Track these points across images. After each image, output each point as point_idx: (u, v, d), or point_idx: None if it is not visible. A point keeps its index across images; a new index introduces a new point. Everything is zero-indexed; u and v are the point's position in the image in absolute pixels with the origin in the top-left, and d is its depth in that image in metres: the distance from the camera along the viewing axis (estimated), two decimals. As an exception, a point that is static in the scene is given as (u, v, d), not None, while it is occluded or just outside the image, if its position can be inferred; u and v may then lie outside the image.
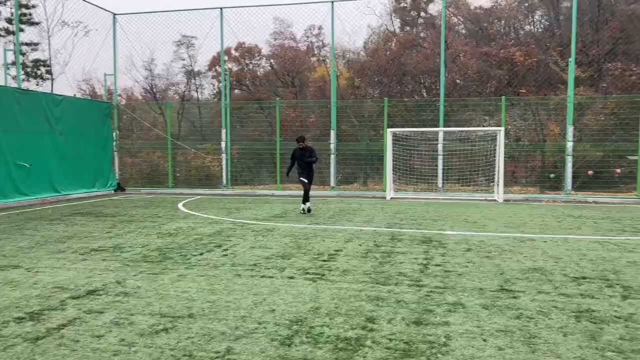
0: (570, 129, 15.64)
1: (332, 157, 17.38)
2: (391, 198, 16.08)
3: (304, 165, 11.97)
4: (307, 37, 44.13)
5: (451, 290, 5.43)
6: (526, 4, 43.48)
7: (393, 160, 16.91)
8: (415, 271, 6.29)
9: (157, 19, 20.00)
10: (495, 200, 15.57)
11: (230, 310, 4.79)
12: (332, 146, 17.31)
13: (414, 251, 7.54)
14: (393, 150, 16.86)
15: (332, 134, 17.34)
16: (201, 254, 7.38)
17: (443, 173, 17.07)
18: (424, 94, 35.55)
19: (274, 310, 4.78)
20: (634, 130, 16.60)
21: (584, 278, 5.92)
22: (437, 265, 6.63)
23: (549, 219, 11.13)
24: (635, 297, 5.17)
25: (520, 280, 5.83)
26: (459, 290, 5.45)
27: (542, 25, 44.22)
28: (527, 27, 44.06)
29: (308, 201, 12.11)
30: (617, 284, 5.65)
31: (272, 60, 41.34)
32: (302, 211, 12.10)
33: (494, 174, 16.21)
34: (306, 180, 11.99)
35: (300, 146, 12.01)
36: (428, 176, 17.77)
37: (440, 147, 16.87)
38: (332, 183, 17.53)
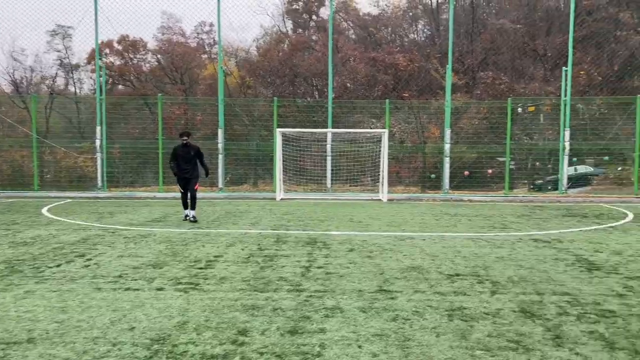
0: (447, 132, 16.57)
1: (220, 157, 16.75)
2: (281, 199, 15.86)
3: (185, 164, 10.68)
4: (198, 33, 42.46)
5: (331, 294, 5.26)
6: (410, 14, 45.97)
7: (283, 161, 16.72)
8: (297, 275, 6.06)
9: (21, 3, 17.85)
10: (380, 199, 16.02)
11: (82, 330, 4.16)
12: (220, 145, 16.68)
13: (297, 254, 7.32)
14: (283, 150, 16.67)
15: (220, 132, 16.72)
16: (58, 266, 6.50)
17: (332, 173, 17.23)
18: (317, 95, 35.99)
19: (133, 328, 4.23)
20: (503, 133, 18.06)
21: (457, 275, 6.09)
22: (319, 267, 6.46)
23: (428, 218, 11.60)
24: (502, 291, 5.38)
25: (399, 280, 5.83)
26: (339, 293, 5.30)
27: (424, 35, 46.98)
28: (412, 36, 46.53)
29: (193, 209, 10.77)
30: (487, 280, 5.87)
31: (159, 56, 39.25)
32: (188, 218, 10.81)
33: (379, 175, 16.68)
34: (189, 180, 10.74)
35: (184, 142, 10.66)
36: (318, 177, 17.85)
37: (328, 147, 17.00)
38: (220, 184, 16.89)
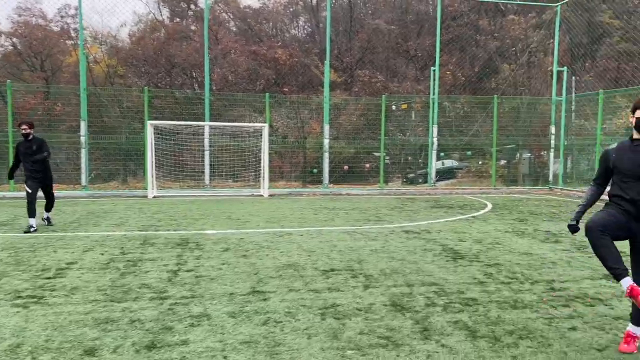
0: (326, 128, 16.78)
1: (84, 151, 15.24)
2: (154, 197, 14.85)
3: (32, 163, 8.80)
4: (62, 16, 38.51)
5: (199, 300, 4.85)
6: (291, 9, 46.15)
7: (157, 156, 15.69)
8: (162, 280, 5.54)
9: None
10: (261, 195, 15.74)
11: None
12: (83, 139, 15.16)
13: (165, 256, 6.75)
14: (158, 145, 15.65)
15: (83, 125, 15.18)
16: None
17: (210, 169, 16.56)
18: (196, 88, 34.59)
19: (-54, 359, 3.47)
20: (378, 130, 18.77)
21: (332, 270, 6.02)
22: (188, 270, 5.99)
23: (308, 212, 11.57)
24: (375, 285, 5.39)
25: (273, 279, 5.60)
26: (208, 298, 4.91)
27: (305, 31, 47.54)
28: (293, 31, 46.80)
29: (48, 210, 9.40)
30: (361, 274, 5.87)
31: (14, 39, 34.95)
32: (42, 221, 9.37)
33: (261, 170, 16.38)
34: (36, 186, 8.90)
35: (24, 131, 8.72)
36: (195, 173, 17.06)
37: (206, 142, 16.30)
38: (84, 182, 15.37)
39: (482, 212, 11.97)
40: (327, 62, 17.14)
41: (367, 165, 22.20)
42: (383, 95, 17.78)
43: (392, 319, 4.34)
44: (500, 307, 4.66)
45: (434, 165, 17.75)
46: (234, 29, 44.48)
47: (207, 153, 16.31)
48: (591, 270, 6.18)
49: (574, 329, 4.12)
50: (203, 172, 16.57)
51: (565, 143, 18.40)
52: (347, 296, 4.99)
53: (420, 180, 22.07)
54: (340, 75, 38.13)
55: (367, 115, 21.93)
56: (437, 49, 17.75)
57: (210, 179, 16.61)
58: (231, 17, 45.54)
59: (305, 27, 47.16)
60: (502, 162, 21.10)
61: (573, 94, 18.51)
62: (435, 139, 17.44)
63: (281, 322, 4.25)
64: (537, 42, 34.55)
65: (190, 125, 16.18)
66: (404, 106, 22.47)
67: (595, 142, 18.33)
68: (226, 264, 6.31)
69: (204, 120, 16.37)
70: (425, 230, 9.05)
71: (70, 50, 35.88)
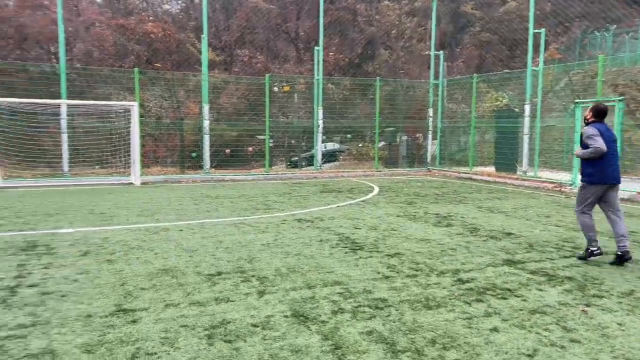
0: (206, 108, 15.48)
1: None
2: (-2, 188, 12.48)
3: None
4: None
5: (42, 329, 3.67)
6: (163, -19, 42.83)
7: (2, 139, 13.21)
8: (-8, 303, 4.21)
9: None
10: (132, 183, 14.05)
11: None
12: None
13: (2, 267, 5.30)
14: (2, 126, 13.17)
15: None
16: None
17: (70, 154, 14.39)
18: (55, 63, 30.64)
19: None
20: (261, 112, 17.87)
21: (219, 274, 5.11)
22: (32, 285, 4.68)
23: (187, 202, 10.39)
24: (271, 290, 4.61)
25: (146, 291, 4.55)
26: (55, 325, 3.75)
27: (179, 6, 44.60)
28: (165, 6, 43.61)
29: None
30: (253, 276, 5.04)
31: None
32: None
33: (131, 154, 14.62)
34: None
35: None
36: (52, 158, 14.74)
37: (63, 123, 14.09)
38: None
39: (370, 195, 11.76)
40: (204, 36, 15.76)
41: (250, 148, 21.29)
42: (267, 75, 16.87)
43: (296, 335, 3.60)
44: (413, 309, 4.15)
45: (320, 148, 17.35)
46: (99, 1, 40.29)
47: (64, 136, 14.10)
48: (490, 255, 6.02)
49: (495, 330, 3.73)
50: (61, 158, 14.34)
51: (441, 125, 19.13)
52: (239, 308, 4.14)
53: (304, 164, 21.71)
54: (218, 54, 36.34)
55: (248, 96, 20.90)
56: (321, 29, 17.25)
57: (70, 166, 14.45)
58: (94, -15, 41.14)
59: (179, 2, 44.29)
60: (381, 144, 21.47)
61: (444, 79, 19.25)
62: (320, 122, 17.02)
63: (155, 354, 3.28)
64: (410, 28, 35.85)
65: (43, 104, 13.84)
66: (287, 88, 21.81)
67: (469, 124, 19.34)
68: (84, 274, 5.08)
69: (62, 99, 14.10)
70: (318, 218, 8.47)
71: None
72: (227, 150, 19.20)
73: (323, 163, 21.28)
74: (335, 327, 3.74)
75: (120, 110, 15.02)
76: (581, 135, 5.83)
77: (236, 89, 22.96)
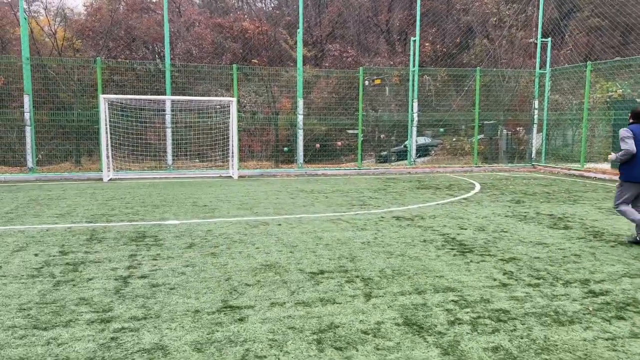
0: (300, 103, 15.52)
1: (28, 129, 13.55)
2: (110, 180, 13.38)
3: None
4: (12, -11, 35.70)
5: (153, 322, 3.69)
6: (258, -20, 44.06)
7: (114, 134, 14.16)
8: (108, 292, 4.33)
9: None
10: (230, 177, 14.46)
11: None
12: (27, 115, 13.45)
13: (115, 257, 5.52)
14: (115, 122, 14.12)
15: (27, 100, 13.45)
16: None
17: (173, 148, 15.11)
18: (159, 62, 32.64)
19: None
20: (351, 106, 17.68)
21: (322, 273, 4.93)
22: (142, 277, 4.79)
23: (284, 196, 10.41)
24: (378, 293, 4.33)
25: (250, 288, 4.47)
26: (165, 319, 3.75)
27: (272, 4, 45.71)
28: (259, 4, 44.85)
29: None
30: (357, 277, 4.80)
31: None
32: None
33: (229, 149, 15.07)
34: None
35: None
36: (157, 152, 15.59)
37: (168, 118, 14.81)
38: (30, 163, 13.73)
39: (472, 193, 11.07)
40: (300, 31, 15.79)
41: (339, 143, 21.19)
42: (360, 68, 16.57)
43: (412, 346, 3.29)
44: (542, 323, 3.68)
45: (414, 142, 16.76)
46: (198, 2, 42.36)
47: (169, 131, 14.83)
48: (623, 264, 5.29)
49: (651, 356, 3.16)
50: (165, 152, 15.11)
51: (547, 118, 17.70)
52: (347, 311, 3.91)
53: (394, 158, 21.18)
54: (309, 49, 36.66)
55: (339, 91, 20.78)
56: (418, 18, 16.60)
57: (174, 159, 15.19)
58: (194, -13, 43.29)
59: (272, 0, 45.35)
60: (479, 137, 20.35)
61: (550, 68, 17.75)
62: (415, 115, 16.43)
63: (265, 357, 3.14)
64: (510, 16, 33.82)
65: (150, 100, 14.65)
66: (377, 81, 21.40)
67: (578, 117, 17.72)
68: (190, 266, 5.14)
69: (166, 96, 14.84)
70: (418, 216, 8.05)
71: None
72: (317, 145, 19.23)
73: (405, 159, 20.65)
74: (455, 340, 3.38)
75: (217, 106, 15.51)
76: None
77: (326, 83, 22.94)
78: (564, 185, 12.62)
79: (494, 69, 19.03)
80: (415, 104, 16.37)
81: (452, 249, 5.91)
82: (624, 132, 6.29)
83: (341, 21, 37.34)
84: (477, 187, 12.13)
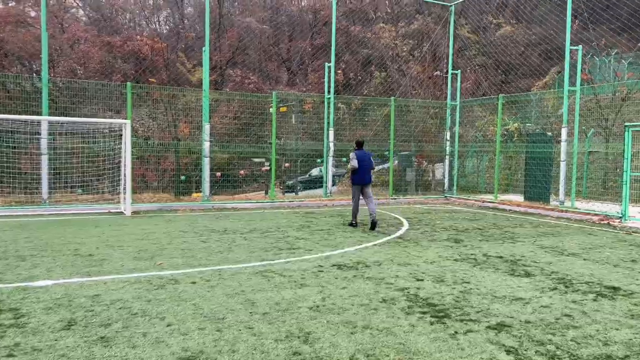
0: (207, 127, 13.82)
1: None
2: (-38, 218, 10.58)
3: None
4: None
5: None
6: (150, 2, 41.61)
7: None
8: None
9: None
10: (122, 212, 12.26)
11: None
12: None
13: (-58, 356, 3.54)
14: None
15: None
16: None
17: (50, 179, 12.57)
18: (37, 81, 28.98)
19: None
20: (254, 133, 16.47)
21: (273, 369, 3.43)
22: (-17, 398, 2.94)
23: (192, 239, 8.65)
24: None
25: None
26: None
27: (167, 26, 43.42)
28: (152, 26, 42.32)
29: None
30: (324, 372, 3.38)
31: None
32: None
33: (120, 179, 12.88)
34: None
35: None
36: (29, 183, 12.91)
37: (44, 142, 12.30)
38: None
39: (403, 230, 10.15)
40: (206, 48, 14.22)
41: (242, 172, 19.73)
42: (274, 92, 15.34)
43: None
44: None
45: (330, 172, 15.75)
46: (84, 19, 38.90)
47: (45, 157, 12.30)
48: (629, 328, 4.44)
49: None
50: (40, 183, 12.51)
51: (458, 149, 17.75)
52: None
53: (300, 188, 20.16)
54: (210, 74, 35.03)
55: (241, 117, 19.43)
56: (333, 44, 15.83)
57: (51, 192, 12.62)
58: (80, 4, 39.76)
59: (168, 22, 43.12)
60: (380, 168, 20.04)
61: (460, 100, 17.95)
62: (331, 143, 15.47)
63: None
64: (407, 50, 34.88)
65: (21, 122, 12.08)
66: (283, 109, 20.39)
67: (484, 148, 18.00)
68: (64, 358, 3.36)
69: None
70: (361, 263, 6.82)
71: None
72: (219, 174, 17.58)
73: (312, 188, 19.75)
74: None
75: (107, 130, 13.31)
76: None
77: (228, 109, 21.44)
78: (488, 219, 12.25)
79: (411, 99, 18.87)
80: (332, 133, 15.43)
81: (424, 313, 4.71)
82: (352, 154, 10.24)
83: (242, 47, 36.22)
84: (405, 222, 11.28)
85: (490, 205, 15.16)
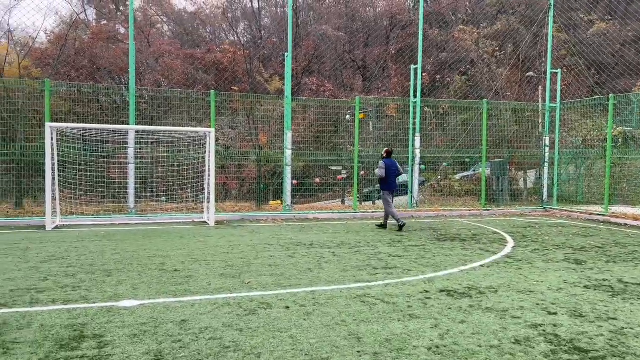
0: (289, 135, 13.39)
1: (-46, 165, 10.95)
2: (56, 227, 10.79)
3: None
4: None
5: None
6: (229, 15, 42.77)
7: (62, 170, 11.67)
8: None
9: None
10: (205, 222, 12.06)
11: None
12: (-47, 148, 10.86)
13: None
14: (65, 155, 11.67)
15: (-48, 128, 10.90)
16: None
17: (137, 188, 12.67)
18: (124, 92, 30.42)
19: None
20: (329, 142, 15.89)
21: None
22: None
23: (278, 253, 8.11)
24: None
25: None
26: None
27: (245, 37, 44.38)
28: (231, 38, 43.45)
29: None
30: None
31: None
32: None
33: (203, 188, 12.73)
34: None
35: None
36: (117, 192, 13.10)
37: (131, 152, 12.42)
38: (-46, 207, 11.04)
39: (509, 247, 9.03)
40: (289, 54, 13.84)
41: (317, 180, 19.20)
42: (357, 97, 14.66)
43: None
44: None
45: (416, 181, 14.78)
46: (169, 33, 40.62)
47: (132, 167, 12.41)
48: None
49: None
50: (127, 192, 12.64)
51: (558, 155, 16.11)
52: None
53: (378, 197, 19.35)
54: (285, 83, 35.17)
55: (315, 125, 18.98)
56: (420, 42, 14.91)
57: (137, 201, 12.70)
58: (164, 20, 41.58)
59: (245, 33, 44.02)
60: (460, 176, 18.69)
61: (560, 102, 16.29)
62: (417, 150, 14.52)
63: None
64: (490, 52, 33.07)
65: (110, 131, 12.26)
66: (362, 116, 19.69)
67: (590, 155, 16.22)
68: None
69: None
70: (473, 288, 5.89)
71: (-32, 49, 30.49)
72: (295, 182, 17.22)
73: (397, 196, 18.81)
74: None
75: (188, 139, 13.25)
76: None
77: (303, 117, 21.07)
78: (604, 235, 10.75)
79: (501, 102, 17.47)
80: (418, 139, 14.48)
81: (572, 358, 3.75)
82: (381, 163, 10.93)
83: (317, 55, 36.07)
84: (508, 238, 10.11)
85: (601, 218, 13.49)
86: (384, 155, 11.10)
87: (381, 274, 6.66)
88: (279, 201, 15.80)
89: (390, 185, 10.98)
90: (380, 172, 10.81)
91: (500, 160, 16.14)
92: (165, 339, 4.11)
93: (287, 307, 5.06)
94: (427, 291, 5.77)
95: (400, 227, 10.80)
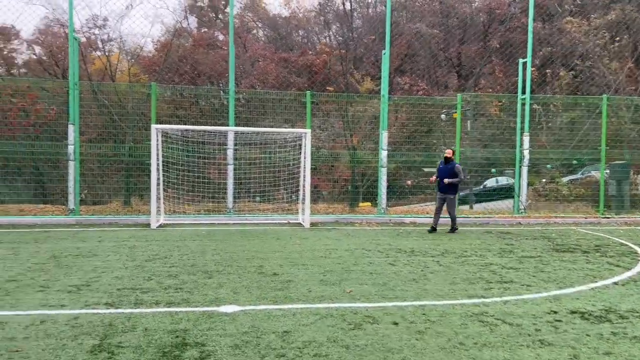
0: (384, 135, 12.89)
1: (72, 164, 11.73)
2: (160, 226, 11.19)
3: None
4: (90, 27, 36.50)
5: None
6: (322, 18, 43.03)
7: (168, 171, 12.12)
8: None
9: None
10: (300, 224, 11.92)
11: None
12: (71, 148, 11.64)
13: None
14: (168, 156, 12.11)
15: (71, 130, 11.67)
16: None
17: (234, 188, 12.84)
18: (223, 96, 31.70)
19: None
20: (421, 143, 15.10)
21: None
22: None
23: (378, 259, 7.66)
24: None
25: None
26: None
27: (337, 40, 44.41)
28: (324, 40, 43.69)
29: None
30: None
31: (36, 47, 32.78)
32: None
33: (297, 189, 12.63)
34: None
35: None
36: (216, 192, 13.39)
37: (230, 153, 12.61)
38: (72, 204, 11.84)
39: (642, 261, 7.86)
40: (386, 51, 13.34)
41: (409, 182, 18.43)
42: (459, 95, 13.83)
43: None
44: None
45: (525, 186, 13.60)
46: (263, 38, 41.71)
47: (230, 168, 12.59)
48: None
49: None
50: (225, 192, 12.85)
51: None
52: None
53: (474, 200, 18.16)
54: (377, 83, 34.55)
55: (408, 126, 18.23)
56: (530, 35, 13.70)
57: (235, 201, 12.88)
58: (259, 25, 42.79)
59: (337, 36, 44.07)
60: (568, 179, 16.97)
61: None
62: (526, 151, 13.35)
63: None
64: (601, 44, 30.16)
65: (209, 132, 12.54)
66: (455, 115, 18.64)
67: None
68: None
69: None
70: (611, 312, 5.05)
71: (95, 59, 33.35)
72: (409, 182, 16.73)
73: (491, 200, 17.54)
74: None
75: (281, 140, 13.20)
76: None
77: (396, 118, 20.38)
78: None
79: (625, 97, 15.69)
80: (527, 139, 13.32)
81: None
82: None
83: (410, 54, 35.12)
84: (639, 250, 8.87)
85: None
86: (444, 162, 11.00)
87: (496, 288, 5.98)
88: (369, 203, 15.36)
89: (438, 186, 11.12)
90: (462, 175, 10.86)
91: (622, 162, 14.43)
92: (267, 352, 3.83)
93: (396, 323, 4.59)
94: (555, 312, 5.02)
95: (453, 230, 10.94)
